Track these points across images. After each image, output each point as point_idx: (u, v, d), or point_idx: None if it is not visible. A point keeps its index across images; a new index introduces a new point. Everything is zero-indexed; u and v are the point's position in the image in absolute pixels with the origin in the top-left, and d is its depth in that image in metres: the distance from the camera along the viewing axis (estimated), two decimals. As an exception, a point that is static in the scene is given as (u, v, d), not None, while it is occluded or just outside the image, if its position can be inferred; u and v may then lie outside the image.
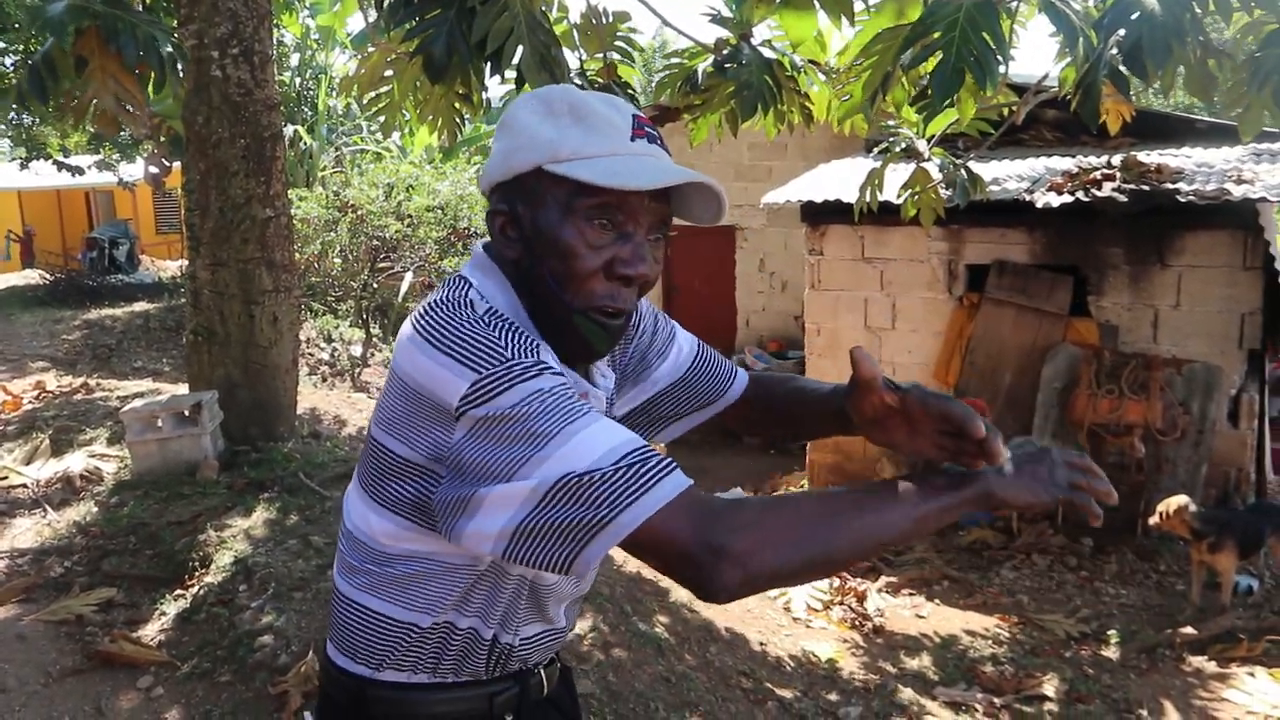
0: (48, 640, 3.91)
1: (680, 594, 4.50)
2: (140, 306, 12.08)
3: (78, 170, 14.37)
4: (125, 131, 12.87)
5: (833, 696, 3.83)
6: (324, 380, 10.05)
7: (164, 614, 4.04)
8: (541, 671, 1.37)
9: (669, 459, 1.05)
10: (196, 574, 4.28)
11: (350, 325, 11.36)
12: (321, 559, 4.22)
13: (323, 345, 10.58)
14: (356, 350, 10.91)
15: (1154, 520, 5.17)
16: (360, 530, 1.24)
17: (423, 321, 1.15)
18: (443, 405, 1.08)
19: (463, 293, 1.18)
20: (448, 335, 1.11)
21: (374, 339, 11.28)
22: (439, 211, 10.05)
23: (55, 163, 13.67)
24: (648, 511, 1.00)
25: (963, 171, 4.88)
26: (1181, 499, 5.13)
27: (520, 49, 3.57)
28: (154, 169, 12.43)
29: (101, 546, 4.60)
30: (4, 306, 12.53)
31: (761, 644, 4.26)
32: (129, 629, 3.96)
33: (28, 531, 4.91)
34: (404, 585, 1.21)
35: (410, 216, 9.88)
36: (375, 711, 1.27)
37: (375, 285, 10.71)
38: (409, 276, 11.00)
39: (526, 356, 1.08)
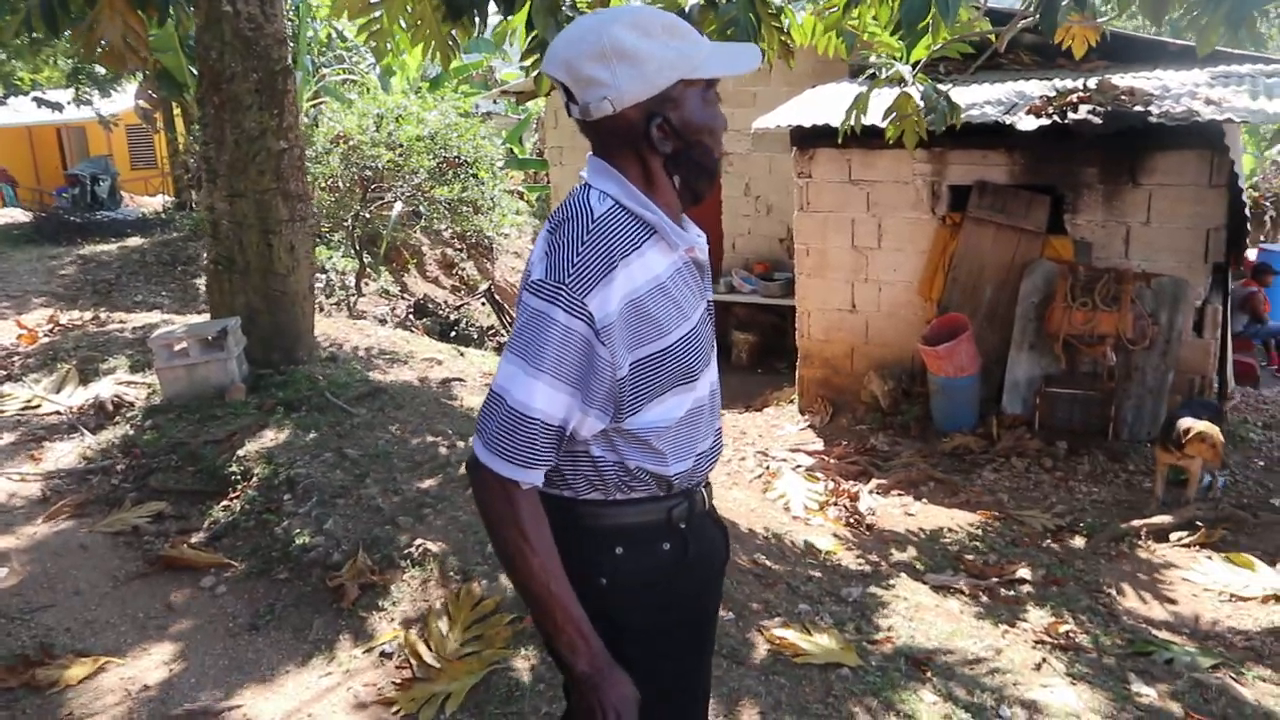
0: (108, 549, 4.23)
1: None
2: (133, 242, 12.21)
3: (57, 106, 14.33)
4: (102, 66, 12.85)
5: (834, 580, 4.22)
6: (320, 310, 10.27)
7: (215, 522, 4.35)
8: (702, 490, 1.77)
9: (541, 450, 1.54)
10: (239, 487, 4.58)
11: (343, 256, 11.54)
12: (358, 469, 4.53)
13: (317, 276, 10.78)
14: (351, 281, 11.12)
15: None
16: None
17: (556, 213, 1.61)
18: (528, 271, 1.58)
19: (585, 196, 1.60)
20: (557, 231, 1.56)
21: (366, 269, 11.48)
22: (429, 141, 10.19)
23: (35, 99, 13.60)
24: (498, 468, 1.54)
25: (943, 99, 5.15)
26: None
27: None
28: (144, 103, 12.48)
29: (145, 465, 4.90)
30: (-5, 244, 12.62)
31: (766, 538, 4.64)
32: (183, 537, 4.28)
33: (69, 454, 5.20)
34: None
35: (401, 146, 10.02)
36: (582, 524, 1.66)
37: (367, 215, 10.87)
38: (398, 206, 11.16)
39: (577, 289, 1.48)
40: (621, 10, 1.58)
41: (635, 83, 1.53)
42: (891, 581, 4.29)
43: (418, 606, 3.61)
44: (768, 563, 4.25)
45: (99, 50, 4.38)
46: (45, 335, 7.46)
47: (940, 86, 5.24)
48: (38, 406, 5.85)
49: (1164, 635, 4.03)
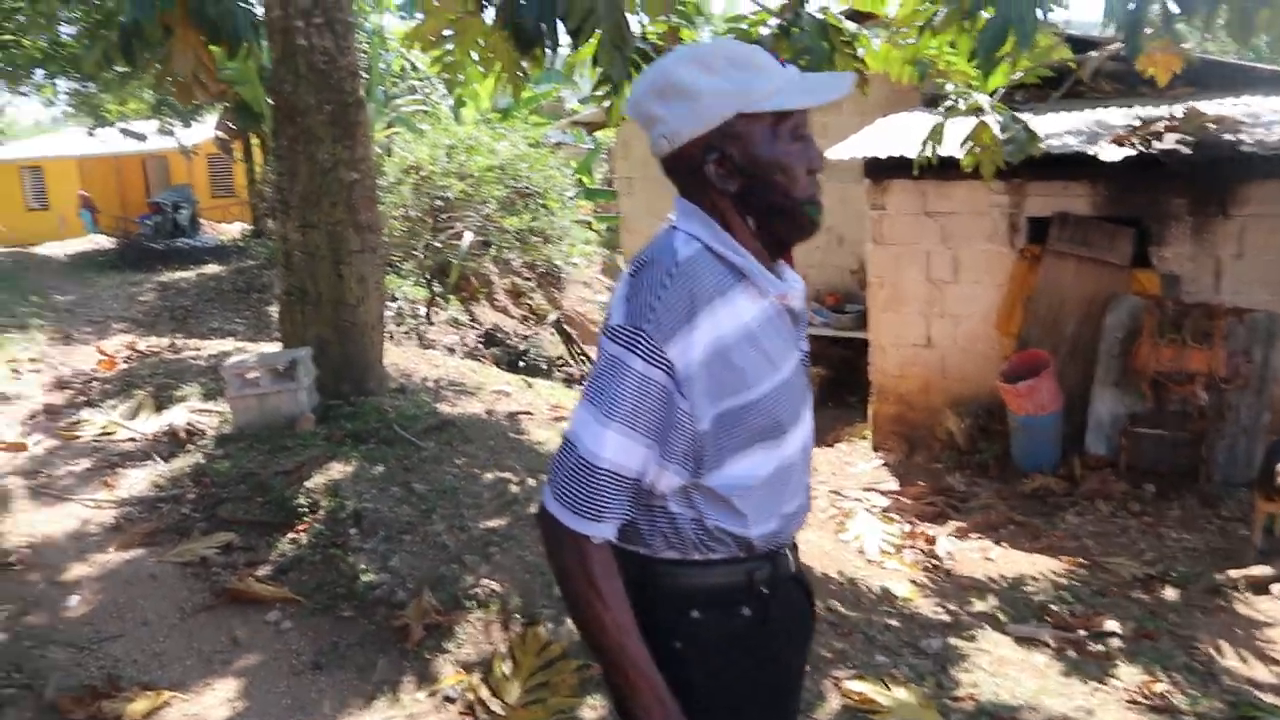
0: (177, 579, 4.23)
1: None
2: (210, 269, 12.48)
3: (140, 136, 14.76)
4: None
5: (913, 630, 4.05)
6: (390, 338, 10.34)
7: (282, 555, 4.33)
8: (787, 552, 1.65)
9: (610, 503, 1.45)
10: (307, 519, 4.56)
11: (413, 285, 11.64)
12: (425, 505, 4.49)
13: (388, 305, 10.88)
14: (422, 310, 11.21)
15: None
16: None
17: (640, 255, 1.53)
18: (609, 314, 1.50)
19: (669, 239, 1.52)
20: (639, 274, 1.48)
21: (436, 298, 11.55)
22: (499, 171, 10.25)
23: (122, 130, 14.02)
24: (565, 520, 1.46)
25: (1021, 128, 4.99)
26: None
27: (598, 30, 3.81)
28: (222, 133, 12.79)
29: (215, 494, 4.91)
30: (79, 271, 12.98)
31: (840, 583, 4.49)
32: (250, 569, 4.27)
33: (141, 481, 5.24)
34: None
35: (472, 176, 10.09)
36: (657, 584, 1.56)
37: (438, 245, 10.95)
38: (469, 235, 11.23)
39: (657, 336, 1.41)
40: (691, 47, 1.51)
41: (687, 118, 1.47)
42: (972, 632, 4.10)
43: (481, 649, 3.54)
44: (842, 609, 4.09)
45: (171, 82, 4.45)
46: (123, 361, 7.60)
47: (1018, 115, 5.09)
48: (113, 433, 5.94)
49: (1270, 699, 3.78)
